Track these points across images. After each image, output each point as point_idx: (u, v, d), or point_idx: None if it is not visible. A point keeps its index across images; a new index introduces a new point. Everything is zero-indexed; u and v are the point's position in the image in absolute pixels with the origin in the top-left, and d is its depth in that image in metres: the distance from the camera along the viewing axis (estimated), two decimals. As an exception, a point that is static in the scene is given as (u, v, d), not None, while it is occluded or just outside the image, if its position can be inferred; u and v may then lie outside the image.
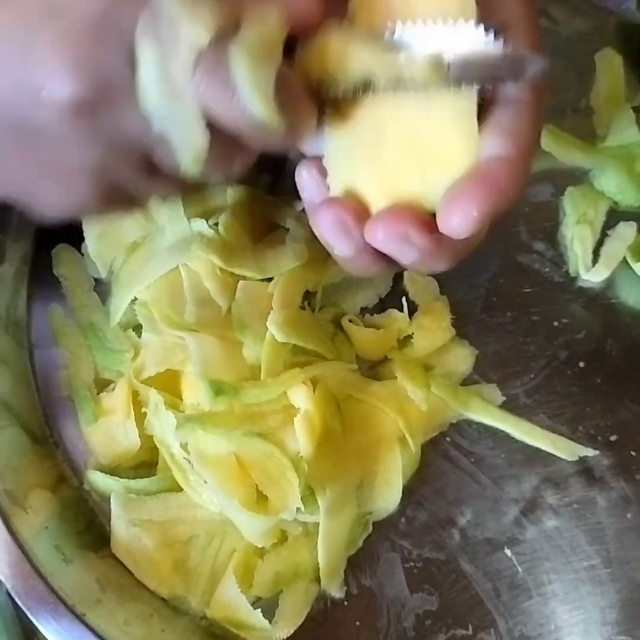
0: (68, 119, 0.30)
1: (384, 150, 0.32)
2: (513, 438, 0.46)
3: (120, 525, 0.43)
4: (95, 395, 0.46)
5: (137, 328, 0.46)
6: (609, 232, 0.51)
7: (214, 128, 0.29)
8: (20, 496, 0.42)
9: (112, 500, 0.43)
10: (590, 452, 0.45)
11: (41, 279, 0.49)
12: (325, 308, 0.48)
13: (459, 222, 0.30)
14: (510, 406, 0.47)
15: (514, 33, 0.32)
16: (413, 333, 0.47)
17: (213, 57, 0.28)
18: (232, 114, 0.29)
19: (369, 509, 0.44)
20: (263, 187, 0.49)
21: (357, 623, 0.43)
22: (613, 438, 0.46)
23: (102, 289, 0.49)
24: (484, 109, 0.31)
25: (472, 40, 0.30)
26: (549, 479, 0.46)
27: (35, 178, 0.33)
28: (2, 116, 0.31)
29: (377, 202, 0.33)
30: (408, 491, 0.45)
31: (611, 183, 0.51)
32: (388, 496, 0.44)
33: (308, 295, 0.47)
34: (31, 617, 0.39)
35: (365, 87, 0.31)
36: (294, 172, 0.49)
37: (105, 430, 0.45)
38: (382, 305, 0.48)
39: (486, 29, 0.30)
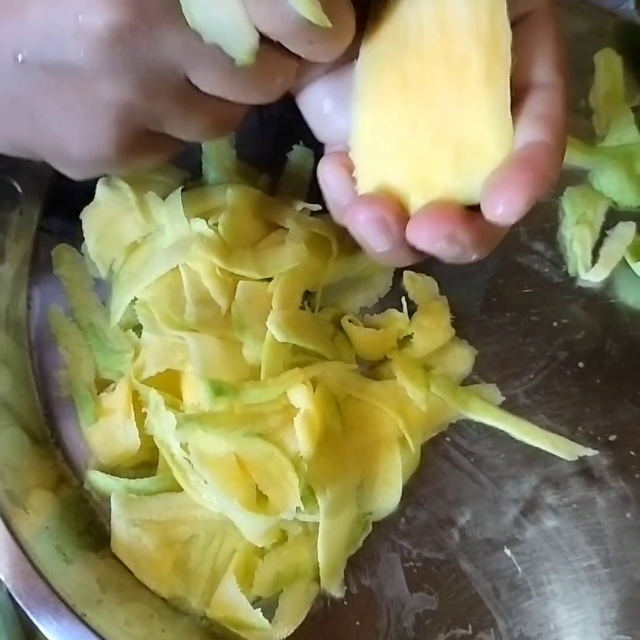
0: (104, 49, 0.29)
1: (416, 144, 0.32)
2: (513, 438, 0.46)
3: (121, 525, 0.43)
4: (96, 396, 0.46)
5: (137, 328, 0.46)
6: (608, 232, 0.51)
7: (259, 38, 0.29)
8: (21, 496, 0.42)
9: (112, 500, 0.43)
10: (589, 452, 0.45)
11: (41, 279, 0.49)
12: (325, 308, 0.48)
13: (506, 208, 0.30)
14: (509, 406, 0.47)
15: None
16: (413, 333, 0.47)
17: None
18: (278, 19, 0.29)
19: (369, 509, 0.44)
20: (263, 187, 0.49)
21: (357, 623, 0.43)
22: (612, 438, 0.46)
23: (102, 289, 0.48)
24: (515, 97, 0.31)
25: None
26: (548, 479, 0.46)
27: (63, 121, 0.32)
28: (33, 53, 0.30)
29: (411, 196, 0.32)
30: (408, 491, 0.45)
31: (610, 183, 0.51)
32: (388, 496, 0.44)
33: (308, 295, 0.47)
34: (32, 617, 0.39)
35: None
36: (293, 172, 0.49)
37: (106, 430, 0.45)
38: (381, 305, 0.48)
39: None
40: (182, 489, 0.43)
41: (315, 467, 0.41)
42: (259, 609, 0.41)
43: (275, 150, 0.50)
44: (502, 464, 0.46)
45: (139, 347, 0.46)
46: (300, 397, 0.42)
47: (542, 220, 0.51)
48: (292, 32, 0.29)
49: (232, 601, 0.42)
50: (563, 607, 0.44)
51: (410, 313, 0.47)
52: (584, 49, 0.55)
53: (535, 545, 0.45)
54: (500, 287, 0.49)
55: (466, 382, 0.47)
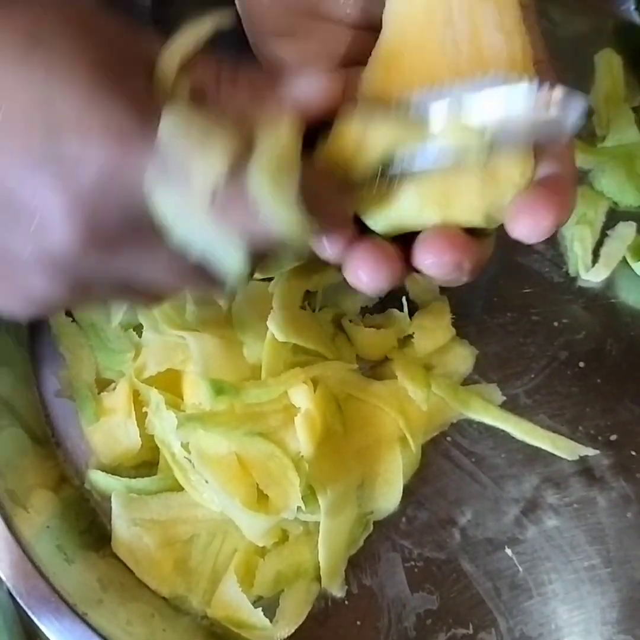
0: (49, 258, 0.28)
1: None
2: (513, 438, 0.46)
3: (122, 525, 0.43)
4: (97, 395, 0.46)
5: (138, 328, 0.46)
6: (608, 232, 0.51)
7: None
8: (22, 496, 0.42)
9: (113, 499, 0.43)
10: (590, 451, 0.45)
11: (42, 279, 0.49)
12: (325, 308, 0.48)
13: (533, 229, 0.31)
14: (510, 406, 0.47)
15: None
16: (413, 333, 0.47)
17: (230, 184, 0.27)
18: (260, 234, 0.28)
19: (370, 509, 0.44)
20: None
21: (358, 622, 0.43)
22: (613, 438, 0.46)
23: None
24: None
25: (509, 99, 0.29)
26: (549, 478, 0.46)
27: None
28: None
29: (424, 210, 0.32)
30: (409, 491, 0.45)
31: (611, 183, 0.51)
32: (389, 496, 0.44)
33: (308, 295, 0.47)
34: (33, 617, 0.39)
35: (393, 166, 0.30)
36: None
37: (107, 430, 0.45)
38: (382, 305, 0.48)
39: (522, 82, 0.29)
40: (183, 489, 0.43)
41: (316, 467, 0.41)
42: (260, 609, 0.41)
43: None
44: (503, 463, 0.46)
45: (139, 346, 0.46)
46: (301, 396, 0.42)
47: (542, 220, 0.51)
48: (276, 244, 0.29)
49: (233, 601, 0.42)
50: (564, 607, 0.44)
51: (411, 313, 0.47)
52: (584, 49, 0.55)
53: (536, 545, 0.44)
54: (501, 287, 0.50)
55: (467, 381, 0.47)
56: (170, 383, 0.44)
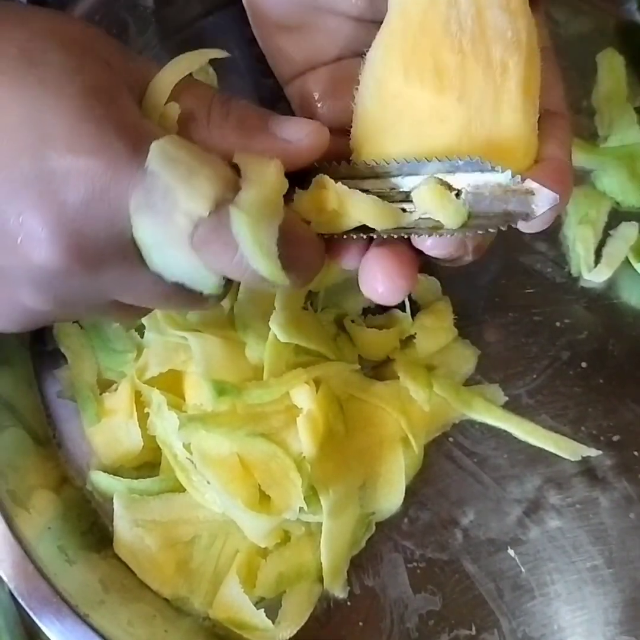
0: (36, 273, 0.29)
1: (442, 133, 0.32)
2: (516, 438, 0.46)
3: (123, 526, 0.43)
4: (98, 396, 0.46)
5: (140, 328, 0.46)
6: (611, 232, 0.51)
7: None
8: (23, 497, 0.42)
9: (114, 500, 0.43)
10: (593, 452, 0.45)
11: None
12: (327, 308, 0.48)
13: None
14: (512, 406, 0.47)
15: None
16: (415, 333, 0.47)
17: (212, 221, 0.28)
18: (236, 271, 0.29)
19: (372, 510, 0.44)
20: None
21: (360, 623, 0.43)
22: (616, 438, 0.46)
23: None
24: None
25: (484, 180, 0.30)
26: (551, 479, 0.46)
27: None
28: None
29: None
30: (411, 491, 0.45)
31: (613, 183, 0.51)
32: (391, 496, 0.44)
33: (310, 296, 0.47)
34: (34, 618, 0.39)
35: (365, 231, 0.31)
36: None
37: (108, 431, 0.45)
38: (384, 306, 0.48)
39: (496, 170, 0.30)
40: (184, 490, 0.43)
41: (318, 468, 0.41)
42: (262, 610, 0.41)
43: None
44: (505, 464, 0.46)
45: (141, 347, 0.46)
46: (303, 397, 0.42)
47: (544, 220, 0.51)
48: (253, 283, 0.29)
49: (235, 602, 0.41)
50: (567, 608, 0.43)
51: (413, 313, 0.47)
52: (586, 49, 0.55)
53: (539, 546, 0.44)
54: (503, 287, 0.49)
55: (469, 382, 0.47)
56: (172, 384, 0.44)
